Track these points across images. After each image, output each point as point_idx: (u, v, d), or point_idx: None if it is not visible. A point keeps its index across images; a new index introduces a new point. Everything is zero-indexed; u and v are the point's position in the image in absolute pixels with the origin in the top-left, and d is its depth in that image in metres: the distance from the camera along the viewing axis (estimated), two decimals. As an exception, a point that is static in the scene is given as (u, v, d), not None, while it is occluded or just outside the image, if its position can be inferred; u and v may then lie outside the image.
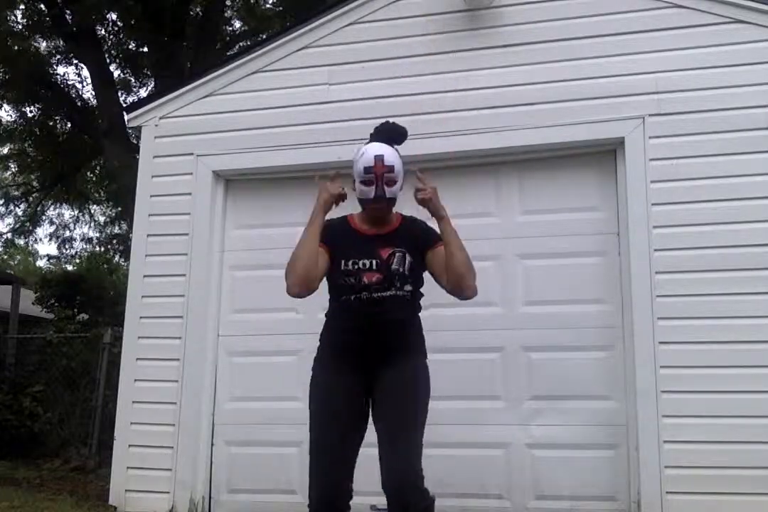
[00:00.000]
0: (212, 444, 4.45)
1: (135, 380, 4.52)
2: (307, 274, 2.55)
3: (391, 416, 2.55)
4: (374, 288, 2.59)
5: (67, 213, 16.12)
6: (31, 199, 15.17)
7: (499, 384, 4.15)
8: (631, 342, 3.92)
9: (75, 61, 12.06)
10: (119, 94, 11.99)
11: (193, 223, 4.59)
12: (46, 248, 27.91)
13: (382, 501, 4.11)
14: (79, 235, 16.64)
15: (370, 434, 2.67)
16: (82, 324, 8.65)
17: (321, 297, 2.78)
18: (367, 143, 2.74)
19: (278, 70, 4.65)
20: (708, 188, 3.93)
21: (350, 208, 2.83)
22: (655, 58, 4.11)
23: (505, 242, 4.28)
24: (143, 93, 12.72)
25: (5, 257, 20.69)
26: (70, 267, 16.75)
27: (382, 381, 2.60)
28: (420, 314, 2.83)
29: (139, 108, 4.89)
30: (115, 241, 15.22)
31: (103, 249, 16.10)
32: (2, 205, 15.24)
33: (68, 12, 10.46)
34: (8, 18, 11.25)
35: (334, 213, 2.76)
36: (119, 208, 13.34)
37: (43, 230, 20.98)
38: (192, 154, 4.67)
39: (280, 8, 12.57)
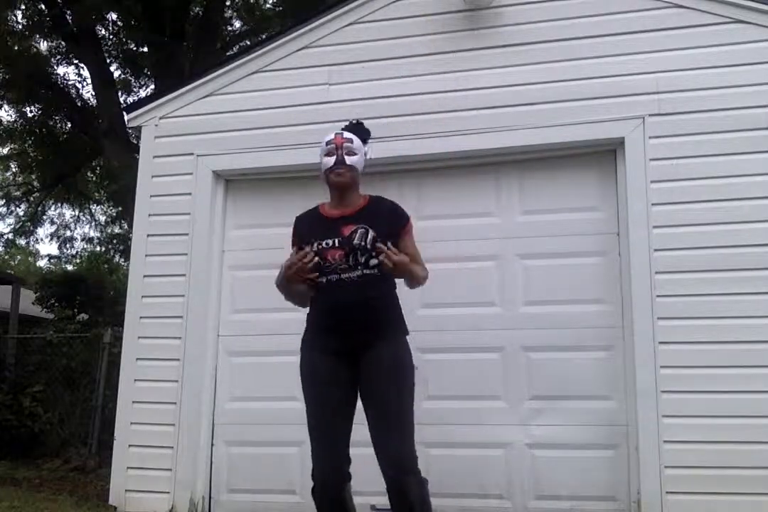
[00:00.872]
0: (212, 444, 4.45)
1: (135, 380, 4.52)
2: (303, 303, 2.85)
3: (379, 404, 2.65)
4: (341, 269, 2.69)
5: (68, 212, 16.17)
6: (31, 198, 15.18)
7: (499, 384, 4.15)
8: (631, 342, 3.92)
9: (75, 61, 12.07)
10: (119, 94, 12.00)
11: (193, 223, 4.59)
12: (47, 248, 27.99)
13: (382, 501, 4.12)
14: (80, 235, 16.70)
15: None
16: (82, 324, 8.67)
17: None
18: None
19: (278, 70, 4.66)
20: (708, 188, 3.92)
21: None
22: (655, 58, 4.11)
23: (505, 242, 4.28)
24: (143, 93, 12.76)
25: (6, 257, 20.69)
26: (70, 267, 16.77)
27: (366, 366, 2.69)
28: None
29: (139, 108, 4.89)
30: (115, 241, 15.22)
31: (103, 249, 16.12)
32: (3, 205, 15.26)
33: (68, 12, 10.47)
34: (8, 18, 11.24)
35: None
36: (120, 208, 13.34)
37: (44, 230, 21.01)
38: (192, 154, 4.67)
39: (280, 8, 12.56)
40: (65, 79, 12.47)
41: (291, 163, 4.51)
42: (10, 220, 15.80)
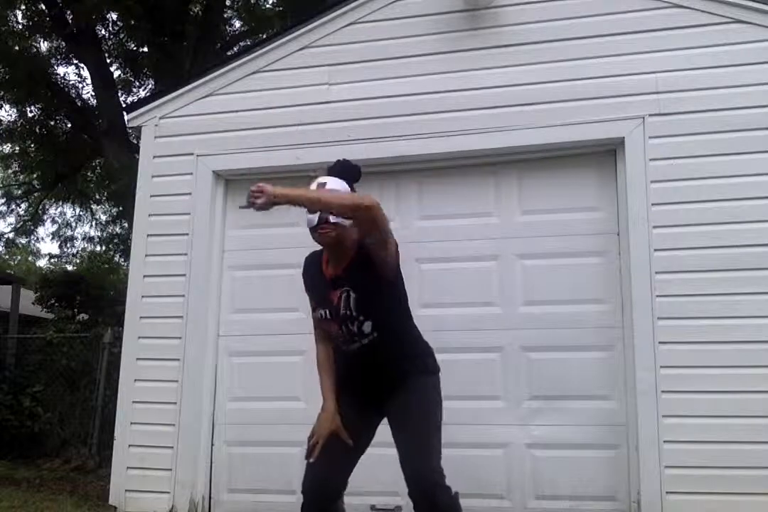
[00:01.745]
0: (212, 444, 4.45)
1: (135, 380, 4.52)
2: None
3: (403, 432, 2.53)
4: (342, 342, 2.59)
5: (69, 211, 16.19)
6: (32, 198, 15.20)
7: (499, 384, 4.15)
8: (631, 342, 3.92)
9: (75, 61, 12.08)
10: (119, 94, 12.01)
11: (193, 223, 4.58)
12: (48, 247, 28.04)
13: (382, 501, 4.13)
14: (81, 234, 16.71)
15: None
16: (82, 324, 8.67)
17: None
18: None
19: (278, 70, 4.65)
20: (708, 188, 3.92)
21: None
22: (655, 58, 4.11)
23: (504, 242, 4.27)
24: (143, 93, 12.74)
25: (6, 257, 20.70)
26: (70, 267, 16.77)
27: (392, 407, 2.58)
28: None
29: (139, 108, 4.89)
30: (115, 241, 15.23)
31: (104, 248, 16.13)
32: (3, 204, 15.27)
33: (68, 12, 10.47)
34: (8, 18, 11.24)
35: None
36: (120, 208, 13.34)
37: (45, 229, 21.04)
38: (192, 154, 4.67)
39: (280, 8, 12.57)
40: (65, 79, 12.48)
41: (291, 163, 4.51)
42: (11, 219, 15.83)
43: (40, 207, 15.32)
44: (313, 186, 2.56)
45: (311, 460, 2.51)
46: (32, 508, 4.43)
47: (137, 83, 13.09)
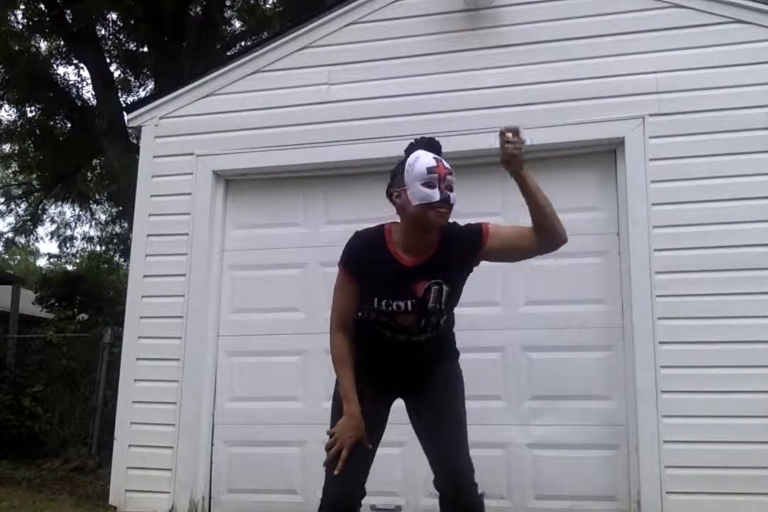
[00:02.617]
0: (212, 444, 4.45)
1: (135, 380, 4.52)
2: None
3: (439, 425, 2.54)
4: (410, 332, 2.41)
5: (68, 211, 16.19)
6: (32, 198, 15.20)
7: (499, 384, 4.15)
8: (631, 342, 3.92)
9: (75, 61, 12.07)
10: (119, 94, 12.00)
11: (193, 223, 4.58)
12: (48, 247, 27.99)
13: (382, 501, 4.13)
14: (80, 234, 16.71)
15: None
16: (82, 324, 8.65)
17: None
18: (407, 154, 2.51)
19: (278, 70, 4.66)
20: (708, 188, 3.92)
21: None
22: (655, 58, 4.11)
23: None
24: (143, 93, 12.75)
25: (6, 257, 20.70)
26: (70, 267, 16.78)
27: (423, 393, 2.55)
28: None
29: (139, 108, 4.89)
30: (115, 241, 15.23)
31: (103, 248, 16.13)
32: (3, 203, 15.27)
33: (68, 12, 10.47)
34: (8, 18, 11.24)
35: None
36: (120, 208, 13.34)
37: (45, 229, 21.03)
38: (192, 154, 4.67)
39: (280, 8, 12.57)
40: (65, 79, 12.48)
41: (291, 163, 4.52)
42: (11, 219, 15.83)
43: (40, 207, 15.32)
44: (429, 158, 2.35)
45: (336, 472, 2.33)
46: (32, 508, 4.43)
47: (137, 83, 13.11)
